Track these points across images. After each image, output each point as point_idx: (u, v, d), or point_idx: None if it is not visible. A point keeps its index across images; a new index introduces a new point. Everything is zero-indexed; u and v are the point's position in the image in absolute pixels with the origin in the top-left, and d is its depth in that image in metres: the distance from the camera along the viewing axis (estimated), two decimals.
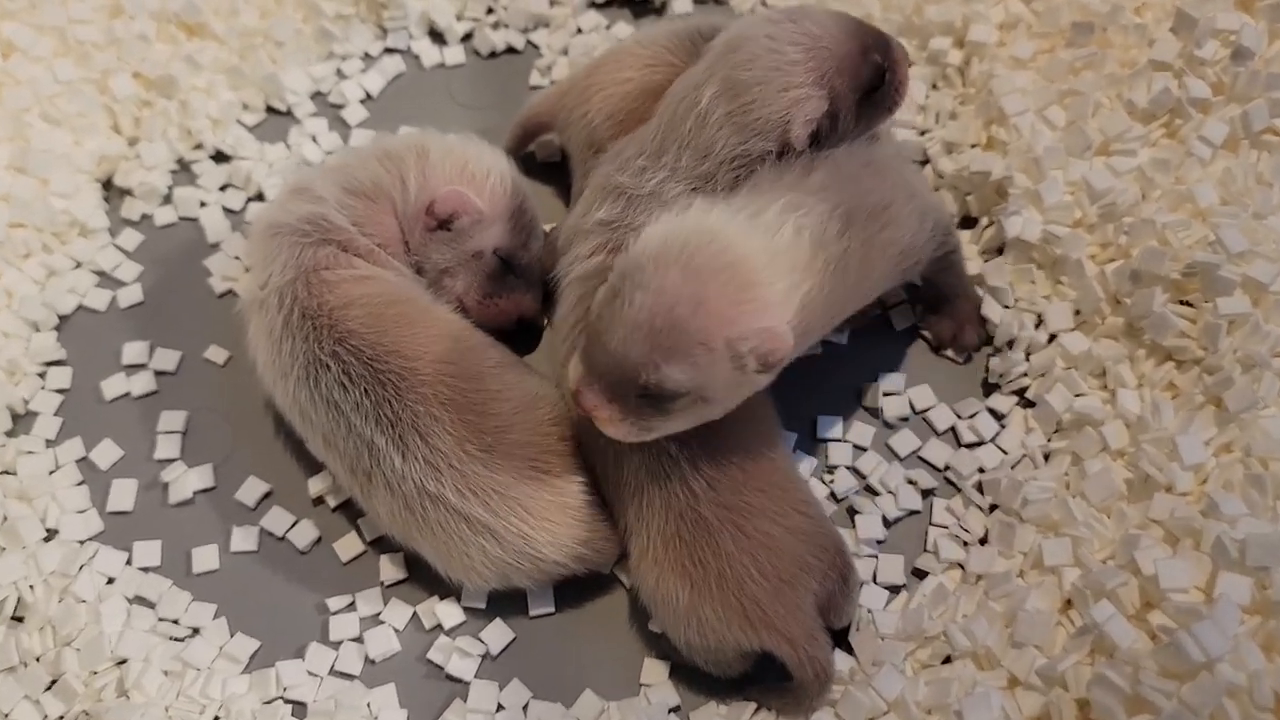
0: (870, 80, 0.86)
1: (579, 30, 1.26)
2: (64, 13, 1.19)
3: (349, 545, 0.97)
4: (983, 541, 0.93)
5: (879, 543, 0.94)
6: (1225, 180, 0.98)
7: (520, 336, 1.03)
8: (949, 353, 1.03)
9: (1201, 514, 0.82)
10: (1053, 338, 1.00)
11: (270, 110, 1.23)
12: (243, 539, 0.98)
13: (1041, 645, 0.82)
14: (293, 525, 0.98)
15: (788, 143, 0.84)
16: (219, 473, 1.01)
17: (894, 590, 0.92)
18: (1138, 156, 1.02)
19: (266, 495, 1.00)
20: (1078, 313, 1.00)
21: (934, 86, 1.17)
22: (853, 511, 0.95)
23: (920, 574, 0.92)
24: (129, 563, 0.96)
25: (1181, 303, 0.95)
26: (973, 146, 1.10)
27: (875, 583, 0.92)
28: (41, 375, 1.07)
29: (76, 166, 1.14)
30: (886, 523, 0.95)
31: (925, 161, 1.13)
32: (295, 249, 0.94)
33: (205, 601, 0.94)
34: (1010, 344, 1.00)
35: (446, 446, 0.86)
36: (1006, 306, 1.02)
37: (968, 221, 1.09)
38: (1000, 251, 1.04)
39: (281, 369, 0.92)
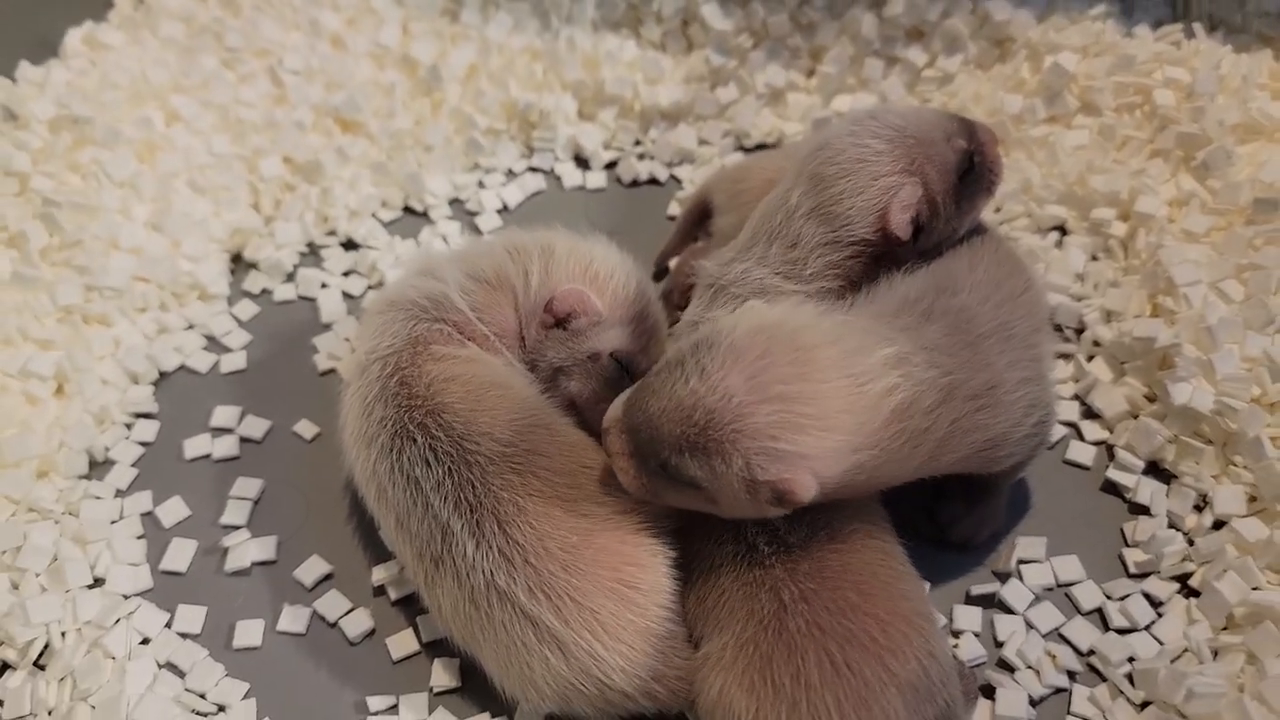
0: (959, 164, 0.84)
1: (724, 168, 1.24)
2: (232, 93, 1.23)
3: (403, 643, 0.88)
4: None
5: None
6: None
7: None
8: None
9: None
10: (1221, 523, 0.88)
11: (407, 210, 1.23)
12: (291, 619, 0.90)
13: None
14: (347, 612, 0.90)
15: (889, 233, 0.81)
16: (282, 548, 0.94)
17: None
18: None
19: (326, 577, 0.93)
20: (1253, 499, 0.88)
21: (1094, 257, 1.09)
22: (988, 688, 0.82)
23: None
24: (169, 625, 0.89)
25: None
26: (1135, 317, 1.01)
27: None
28: (128, 426, 1.03)
29: (210, 235, 1.15)
30: (1032, 701, 0.81)
31: (1081, 330, 1.04)
32: (410, 321, 0.90)
33: (238, 679, 0.86)
34: (1168, 524, 0.89)
35: (525, 539, 0.78)
36: (1169, 480, 0.90)
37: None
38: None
39: (367, 437, 0.86)
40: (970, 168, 0.84)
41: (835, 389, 0.69)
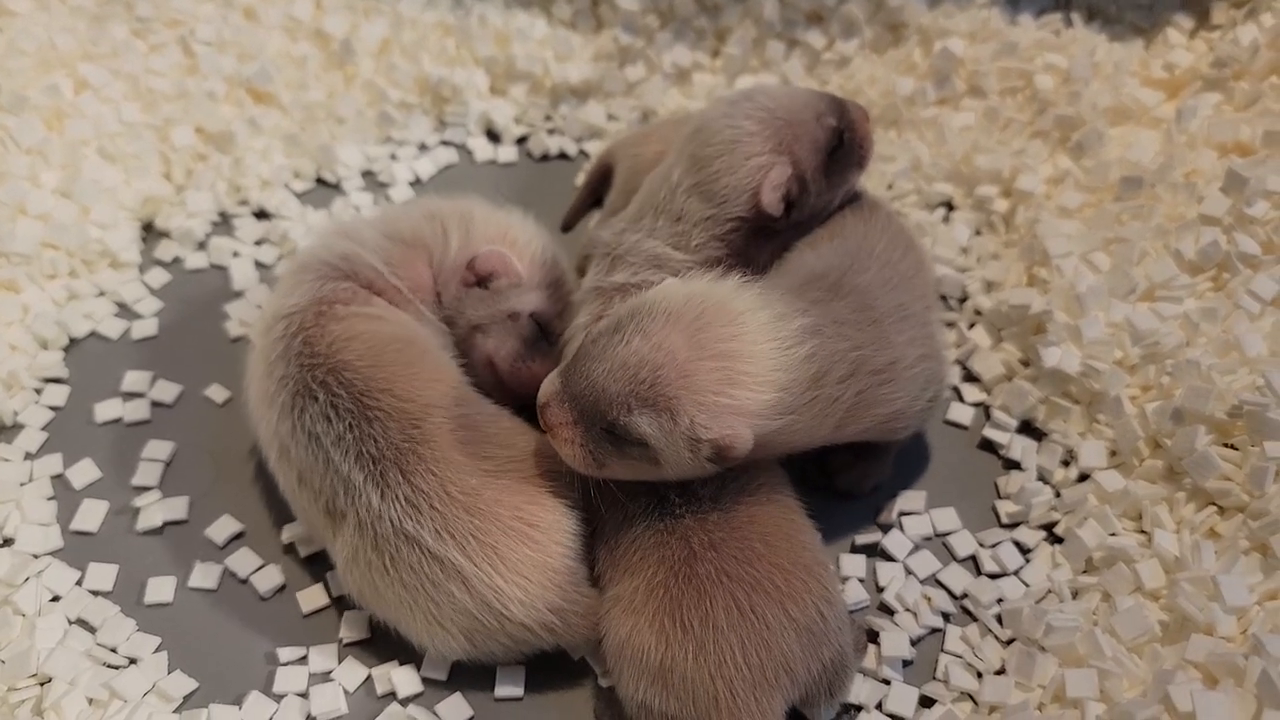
0: (829, 142, 0.89)
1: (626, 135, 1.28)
2: (142, 63, 1.24)
3: (313, 597, 0.90)
4: (999, 673, 0.84)
5: (906, 664, 0.86)
6: (1275, 334, 0.95)
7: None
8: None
9: (1244, 656, 0.74)
10: (1085, 476, 0.95)
11: (320, 182, 1.25)
12: (203, 576, 0.92)
13: None
14: (258, 569, 0.92)
15: (761, 210, 0.86)
16: (193, 508, 0.96)
17: None
18: (1183, 304, 0.99)
19: (237, 536, 0.95)
20: (1114, 453, 0.95)
21: (977, 232, 1.16)
22: (871, 631, 0.87)
23: (927, 702, 0.84)
24: (79, 583, 0.90)
25: (1226, 445, 0.89)
26: (1013, 286, 1.08)
27: (881, 710, 0.83)
28: (38, 391, 1.04)
29: (120, 203, 1.16)
30: (911, 641, 0.86)
31: (964, 299, 1.11)
32: (317, 282, 0.93)
33: (149, 634, 0.87)
34: (1038, 478, 0.96)
35: (429, 486, 0.81)
36: (1040, 438, 0.97)
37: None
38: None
39: (269, 396, 0.88)
40: (840, 144, 0.89)
41: (766, 350, 0.74)
